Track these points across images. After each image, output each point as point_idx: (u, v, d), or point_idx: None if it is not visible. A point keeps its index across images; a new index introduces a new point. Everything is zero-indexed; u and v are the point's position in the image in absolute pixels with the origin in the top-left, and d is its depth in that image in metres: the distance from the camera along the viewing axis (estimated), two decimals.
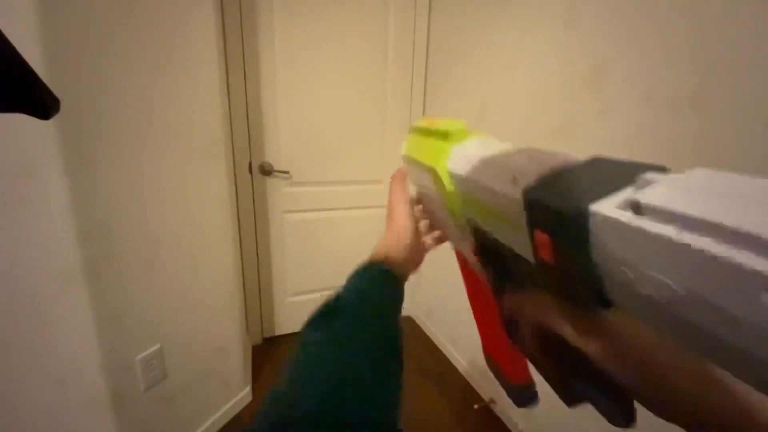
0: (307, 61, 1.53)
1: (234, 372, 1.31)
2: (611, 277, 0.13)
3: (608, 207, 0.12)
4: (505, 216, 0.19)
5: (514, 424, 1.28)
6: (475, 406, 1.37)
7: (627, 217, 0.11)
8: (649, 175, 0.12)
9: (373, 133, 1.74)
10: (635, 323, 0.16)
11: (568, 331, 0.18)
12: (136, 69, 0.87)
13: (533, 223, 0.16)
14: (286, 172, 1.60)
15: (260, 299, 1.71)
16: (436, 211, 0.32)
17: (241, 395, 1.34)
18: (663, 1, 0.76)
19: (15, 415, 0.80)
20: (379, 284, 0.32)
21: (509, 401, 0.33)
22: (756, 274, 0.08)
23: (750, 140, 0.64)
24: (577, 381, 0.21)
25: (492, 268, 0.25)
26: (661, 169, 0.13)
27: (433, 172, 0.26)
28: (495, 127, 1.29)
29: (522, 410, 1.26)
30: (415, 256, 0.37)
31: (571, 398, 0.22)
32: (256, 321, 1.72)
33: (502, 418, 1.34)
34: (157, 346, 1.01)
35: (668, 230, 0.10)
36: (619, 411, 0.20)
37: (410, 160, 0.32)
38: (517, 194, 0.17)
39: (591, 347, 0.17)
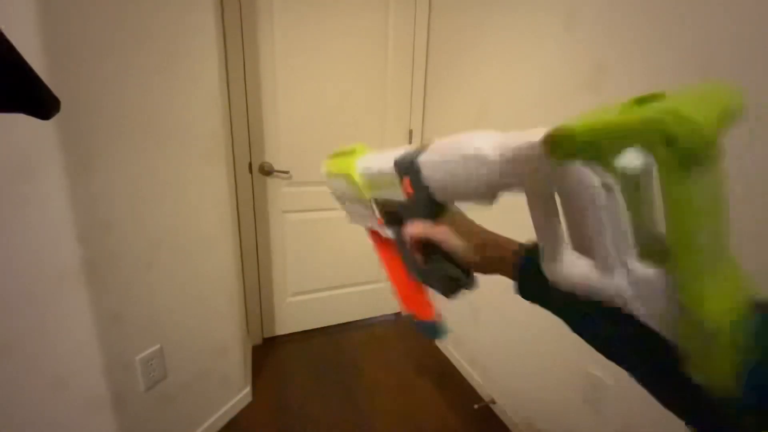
0: (307, 61, 1.53)
1: (234, 372, 1.31)
2: (433, 188, 0.29)
3: (422, 157, 0.29)
4: (389, 180, 0.33)
5: (514, 424, 1.28)
6: (475, 406, 1.37)
7: (424, 157, 0.28)
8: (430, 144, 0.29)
9: (373, 132, 1.74)
10: (453, 216, 0.34)
11: (428, 231, 0.33)
12: (136, 69, 0.87)
13: (400, 174, 0.31)
14: (286, 172, 1.60)
15: (260, 299, 1.71)
16: (355, 206, 0.44)
17: (241, 395, 1.34)
18: (663, 1, 0.76)
19: (15, 415, 0.80)
20: None
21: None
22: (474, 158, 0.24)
23: (750, 140, 0.64)
24: (437, 261, 0.35)
25: (391, 224, 0.38)
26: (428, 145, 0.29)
27: (347, 176, 0.39)
28: (495, 127, 1.29)
29: (522, 410, 1.26)
30: None
31: (445, 288, 0.37)
32: (256, 321, 1.72)
33: (502, 418, 1.34)
34: (157, 346, 1.01)
35: (432, 158, 0.28)
36: (465, 275, 0.34)
37: (331, 175, 0.43)
38: (392, 167, 0.32)
39: (439, 236, 0.32)
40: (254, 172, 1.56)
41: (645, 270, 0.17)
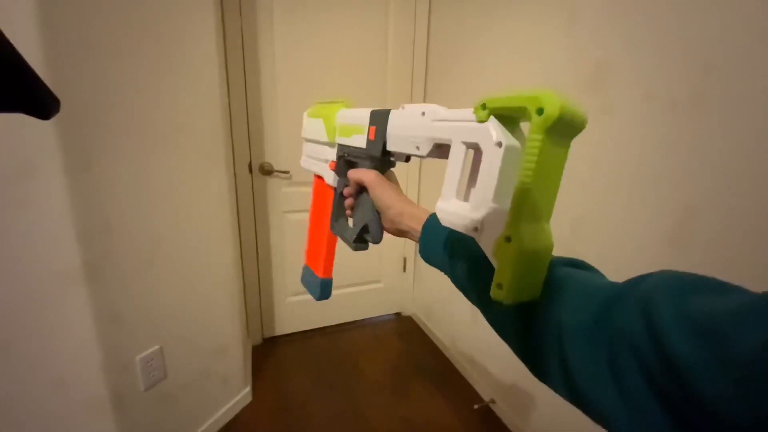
0: (307, 61, 1.53)
1: (234, 372, 1.31)
2: (389, 136, 0.37)
3: (392, 113, 0.36)
4: (359, 127, 0.40)
5: (514, 424, 1.29)
6: (475, 406, 1.37)
7: (394, 113, 0.36)
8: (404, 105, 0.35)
9: None
10: (391, 176, 0.43)
11: (368, 177, 0.40)
12: (135, 69, 0.87)
13: (371, 123, 0.39)
14: (286, 172, 1.60)
15: (260, 299, 1.71)
16: (316, 149, 0.51)
17: (241, 395, 1.34)
18: (663, 1, 0.76)
19: (15, 414, 0.80)
20: None
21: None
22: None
23: (750, 140, 0.64)
24: (359, 214, 0.43)
25: (340, 173, 0.46)
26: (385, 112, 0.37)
27: (326, 118, 0.46)
28: None
29: (522, 410, 1.26)
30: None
31: (356, 242, 0.44)
32: (256, 321, 1.72)
33: (502, 418, 1.34)
34: (157, 346, 1.01)
35: (398, 114, 0.36)
36: (376, 234, 0.42)
37: (311, 115, 0.50)
38: (367, 116, 0.39)
39: (374, 183, 0.40)
40: (254, 172, 1.56)
41: (495, 207, 0.24)
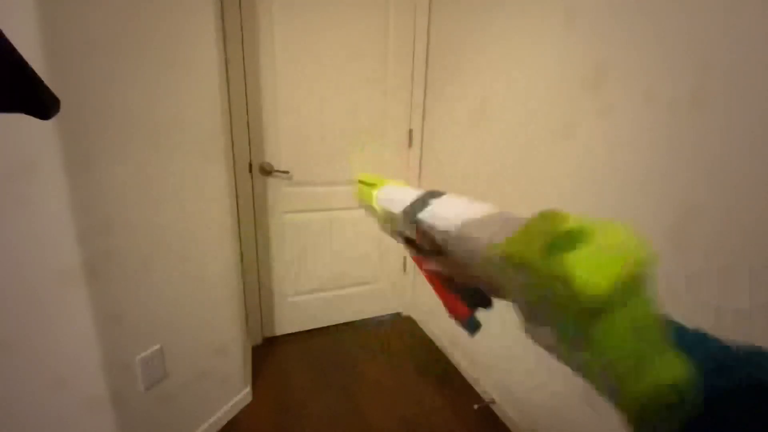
0: (307, 61, 1.53)
1: (234, 372, 1.31)
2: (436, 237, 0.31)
3: (422, 216, 0.32)
4: (402, 221, 0.37)
5: (514, 424, 1.28)
6: (475, 406, 1.37)
7: (424, 220, 0.31)
8: (430, 201, 0.32)
9: (373, 133, 1.74)
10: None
11: (440, 270, 0.37)
12: (135, 69, 0.87)
13: (410, 222, 0.35)
14: (286, 172, 1.60)
15: (260, 299, 1.71)
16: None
17: (241, 395, 1.34)
18: (662, 1, 0.76)
19: (15, 414, 0.80)
20: None
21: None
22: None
23: (750, 140, 0.64)
24: (461, 291, 0.39)
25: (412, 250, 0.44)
26: (437, 194, 0.33)
27: (371, 208, 0.46)
28: (495, 127, 1.29)
29: (522, 410, 1.26)
30: None
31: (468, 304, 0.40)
32: (256, 321, 1.72)
33: (502, 418, 1.34)
34: (157, 346, 1.01)
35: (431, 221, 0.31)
36: (482, 298, 0.37)
37: (361, 202, 0.51)
38: (401, 214, 0.36)
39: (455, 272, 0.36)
40: (254, 172, 1.56)
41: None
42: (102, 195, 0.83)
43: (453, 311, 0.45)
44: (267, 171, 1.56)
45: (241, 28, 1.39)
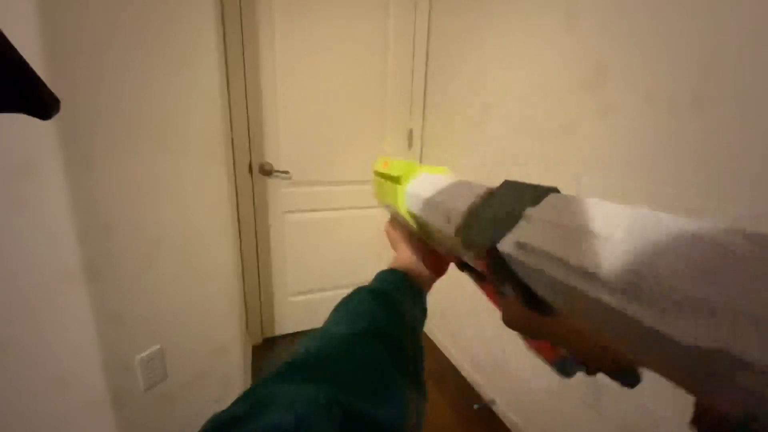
0: (307, 61, 1.53)
1: (234, 372, 1.31)
2: (530, 279, 0.18)
3: (508, 244, 0.18)
4: (449, 241, 0.25)
5: (514, 424, 1.28)
6: (475, 406, 1.37)
7: (515, 252, 0.17)
8: (529, 211, 0.18)
9: (373, 132, 1.74)
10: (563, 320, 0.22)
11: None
12: (135, 69, 0.86)
13: (467, 249, 0.22)
14: (286, 172, 1.60)
15: (260, 299, 1.71)
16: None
17: None
18: (663, 1, 0.76)
19: (15, 415, 0.80)
20: (393, 282, 0.36)
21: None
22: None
23: (750, 140, 0.64)
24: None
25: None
26: (550, 191, 0.19)
27: (398, 212, 0.34)
28: (495, 128, 1.29)
29: (522, 410, 1.26)
30: (435, 268, 0.40)
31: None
32: (256, 321, 1.72)
33: (502, 418, 1.34)
34: (157, 346, 1.01)
35: (529, 260, 0.17)
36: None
37: (381, 201, 0.40)
38: (451, 232, 0.23)
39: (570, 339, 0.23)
40: (254, 173, 1.56)
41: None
42: (102, 195, 0.83)
43: (544, 354, 0.37)
44: (267, 171, 1.56)
45: (241, 28, 1.39)
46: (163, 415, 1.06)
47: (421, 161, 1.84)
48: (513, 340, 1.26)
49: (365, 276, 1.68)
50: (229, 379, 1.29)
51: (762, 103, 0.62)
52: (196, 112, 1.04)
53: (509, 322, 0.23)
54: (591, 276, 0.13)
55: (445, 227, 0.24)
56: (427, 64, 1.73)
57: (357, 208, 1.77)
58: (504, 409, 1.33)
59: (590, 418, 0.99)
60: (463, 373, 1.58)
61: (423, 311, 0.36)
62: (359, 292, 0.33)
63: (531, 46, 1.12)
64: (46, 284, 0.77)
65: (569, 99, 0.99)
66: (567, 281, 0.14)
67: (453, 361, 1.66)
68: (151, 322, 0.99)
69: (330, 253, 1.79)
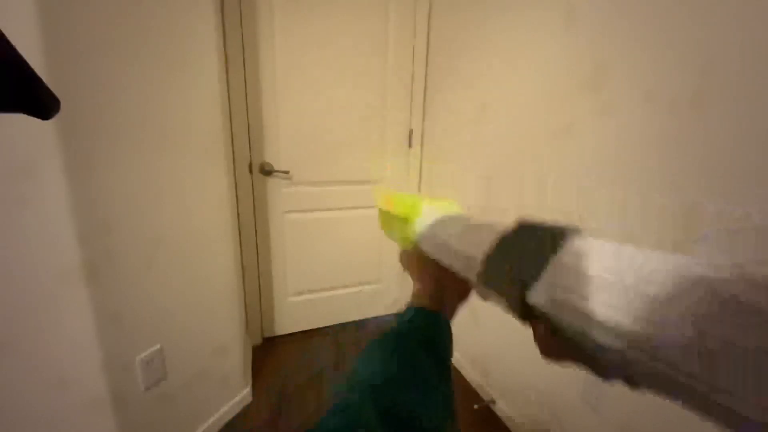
0: (307, 61, 1.53)
1: (234, 372, 1.31)
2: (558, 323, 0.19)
3: (539, 295, 0.19)
4: (470, 278, 0.25)
5: (514, 424, 1.28)
6: (475, 406, 1.37)
7: (544, 303, 0.19)
8: (553, 258, 0.19)
9: (373, 133, 1.74)
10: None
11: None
12: (136, 69, 0.86)
13: (492, 293, 0.23)
14: (286, 172, 1.60)
15: (260, 299, 1.71)
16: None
17: (241, 395, 1.34)
18: (663, 1, 0.76)
19: (15, 415, 0.80)
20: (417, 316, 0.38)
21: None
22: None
23: (750, 140, 0.64)
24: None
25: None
26: (566, 233, 0.20)
27: (410, 246, 0.36)
28: (495, 128, 1.29)
29: (522, 410, 1.26)
30: (459, 293, 0.42)
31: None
32: (256, 321, 1.72)
33: (502, 418, 1.34)
34: (157, 346, 1.01)
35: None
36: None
37: (389, 235, 0.41)
38: (473, 277, 0.24)
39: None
40: (254, 172, 1.56)
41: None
42: (102, 195, 0.83)
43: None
44: (267, 171, 1.56)
45: (241, 28, 1.39)
46: (163, 415, 1.06)
47: (421, 161, 1.84)
48: (513, 340, 1.26)
49: (365, 276, 1.69)
50: (228, 379, 1.29)
51: (762, 103, 0.62)
52: (197, 111, 1.05)
53: (547, 355, 0.22)
54: (611, 330, 0.15)
55: (465, 271, 0.25)
56: (426, 64, 1.73)
57: (357, 208, 1.77)
58: (504, 409, 1.33)
59: (590, 418, 0.99)
60: (463, 373, 1.58)
61: (451, 341, 0.38)
62: (398, 337, 0.34)
63: (531, 45, 1.12)
64: (47, 284, 0.77)
65: (569, 99, 0.99)
66: (590, 333, 0.16)
67: (453, 361, 1.66)
68: (151, 322, 0.99)
69: (330, 253, 1.79)
